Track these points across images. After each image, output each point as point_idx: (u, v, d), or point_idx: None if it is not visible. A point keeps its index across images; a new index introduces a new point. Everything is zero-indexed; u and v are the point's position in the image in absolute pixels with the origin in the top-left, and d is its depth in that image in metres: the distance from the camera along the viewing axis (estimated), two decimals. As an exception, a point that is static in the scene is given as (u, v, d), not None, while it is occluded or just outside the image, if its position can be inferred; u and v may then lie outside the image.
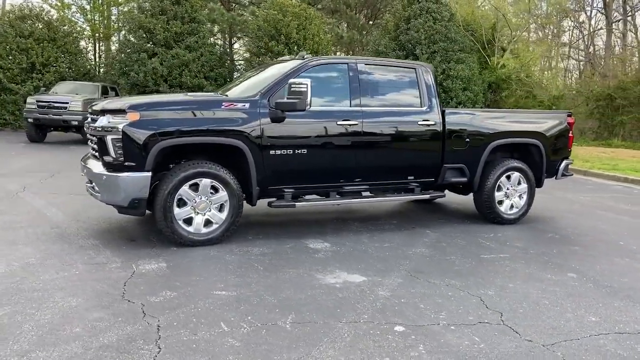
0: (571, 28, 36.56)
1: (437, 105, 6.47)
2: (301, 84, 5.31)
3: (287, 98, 5.36)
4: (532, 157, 7.16)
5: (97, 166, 5.26)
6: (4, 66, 20.54)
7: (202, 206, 5.31)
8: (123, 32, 23.93)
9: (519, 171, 6.97)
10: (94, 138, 5.38)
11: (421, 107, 6.41)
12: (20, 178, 9.19)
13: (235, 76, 21.70)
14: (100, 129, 5.16)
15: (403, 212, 7.67)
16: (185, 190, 5.22)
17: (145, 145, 4.99)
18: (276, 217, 6.88)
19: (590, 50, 34.68)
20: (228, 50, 27.26)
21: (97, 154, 5.38)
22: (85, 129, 6.00)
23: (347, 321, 3.67)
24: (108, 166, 5.13)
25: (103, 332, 3.35)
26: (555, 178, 7.45)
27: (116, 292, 4.07)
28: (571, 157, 7.70)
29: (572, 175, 8.11)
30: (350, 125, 5.88)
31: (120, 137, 4.98)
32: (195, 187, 5.28)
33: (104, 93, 18.34)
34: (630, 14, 33.39)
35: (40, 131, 16.45)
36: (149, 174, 5.05)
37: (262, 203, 5.96)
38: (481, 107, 19.49)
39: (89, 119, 5.87)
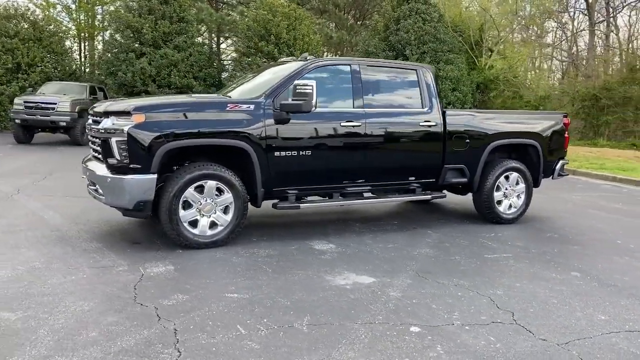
0: (554, 29, 36.99)
1: (437, 106, 6.52)
2: (306, 85, 5.32)
3: (293, 99, 5.36)
4: (529, 157, 7.25)
5: (100, 168, 5.21)
6: (-11, 66, 20.28)
7: (208, 208, 5.29)
8: (109, 31, 23.73)
9: (517, 171, 7.05)
10: (97, 140, 5.33)
11: (422, 108, 6.45)
12: (12, 180, 9.07)
13: (224, 76, 21.60)
14: (103, 131, 5.11)
15: (402, 212, 7.71)
16: (190, 192, 5.20)
17: (151, 147, 4.96)
18: (278, 219, 6.88)
19: (573, 51, 35.11)
20: (215, 50, 27.14)
21: (100, 156, 5.33)
22: (87, 130, 5.95)
23: (363, 322, 3.68)
24: (112, 168, 5.09)
25: (120, 337, 3.33)
26: (552, 178, 7.55)
27: (127, 295, 4.04)
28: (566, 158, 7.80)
29: (568, 175, 8.21)
30: (353, 126, 5.90)
31: (125, 139, 4.94)
32: (200, 189, 5.26)
33: (92, 93, 18.18)
34: (612, 15, 33.89)
35: (27, 132, 16.25)
36: (155, 176, 5.01)
37: (264, 204, 5.95)
38: (470, 108, 19.64)
39: (90, 121, 5.83)
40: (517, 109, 22.31)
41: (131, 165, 4.97)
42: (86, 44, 28.75)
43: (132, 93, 19.86)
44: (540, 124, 7.30)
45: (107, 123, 5.07)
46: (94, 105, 5.95)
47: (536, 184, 7.31)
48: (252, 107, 5.43)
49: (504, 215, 7.00)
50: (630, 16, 34.16)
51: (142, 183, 4.98)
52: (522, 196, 7.14)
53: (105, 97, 19.44)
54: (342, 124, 5.86)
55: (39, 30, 21.59)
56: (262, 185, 5.52)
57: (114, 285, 4.23)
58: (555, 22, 35.75)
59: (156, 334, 3.40)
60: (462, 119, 6.73)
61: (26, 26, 21.46)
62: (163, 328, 3.48)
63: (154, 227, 6.13)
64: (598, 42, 34.51)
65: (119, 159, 5.02)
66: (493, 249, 5.78)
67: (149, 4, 20.37)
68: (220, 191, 5.34)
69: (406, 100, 6.46)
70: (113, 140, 5.01)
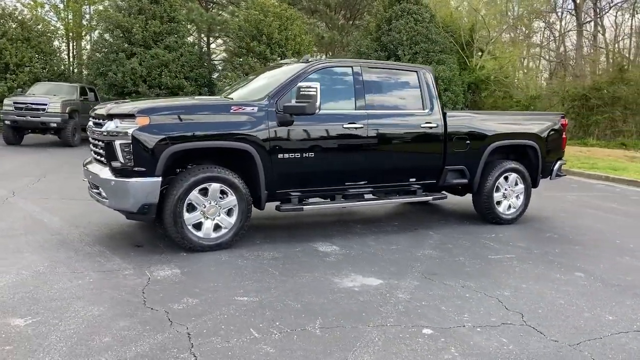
0: (542, 29, 37.27)
1: (438, 107, 6.54)
2: (310, 87, 5.31)
3: (296, 101, 5.35)
4: (527, 158, 7.30)
5: (104, 171, 5.16)
6: (-24, 67, 20.03)
7: (212, 211, 5.27)
8: (97, 31, 23.52)
9: (516, 172, 7.10)
10: (100, 143, 5.29)
11: (423, 109, 6.47)
12: (5, 182, 8.97)
13: (215, 76, 21.50)
14: (107, 134, 5.07)
15: (402, 213, 7.74)
16: (195, 195, 5.17)
17: (156, 150, 4.92)
18: (279, 221, 6.87)
19: (561, 51, 35.41)
20: (206, 50, 27.01)
21: (103, 159, 5.29)
22: (88, 132, 5.90)
23: (375, 325, 3.69)
24: (116, 171, 5.05)
25: (134, 342, 3.31)
26: (550, 178, 7.61)
27: (136, 299, 4.01)
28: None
29: (565, 175, 8.29)
30: (355, 128, 5.91)
31: (129, 142, 4.90)
32: (204, 192, 5.23)
33: (82, 94, 18.04)
34: (599, 15, 34.23)
35: (17, 133, 16.07)
36: (159, 179, 4.98)
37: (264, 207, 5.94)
38: (462, 108, 19.74)
39: (91, 123, 5.78)
40: (508, 108, 22.48)
41: (135, 168, 4.94)
42: (74, 44, 28.50)
43: (122, 94, 19.68)
44: (539, 124, 7.35)
45: (110, 126, 5.03)
46: (95, 107, 5.90)
47: (535, 184, 7.37)
48: (255, 109, 5.42)
49: (504, 215, 7.05)
50: (616, 16, 34.49)
51: (147, 186, 4.95)
52: (521, 197, 7.19)
53: (96, 98, 19.31)
54: (344, 125, 5.86)
55: (27, 30, 21.35)
56: (265, 188, 5.51)
57: (121, 290, 4.20)
58: (544, 22, 36.05)
59: (170, 338, 3.38)
60: (462, 121, 6.76)
61: (14, 26, 21.20)
62: (176, 332, 3.47)
63: (155, 230, 6.10)
64: (585, 42, 34.87)
65: (122, 161, 4.98)
66: (495, 249, 5.81)
67: (139, 4, 20.20)
68: (224, 194, 5.32)
69: (407, 102, 6.48)
70: (117, 143, 4.97)
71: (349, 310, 3.94)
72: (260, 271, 4.77)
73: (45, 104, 15.61)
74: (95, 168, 5.43)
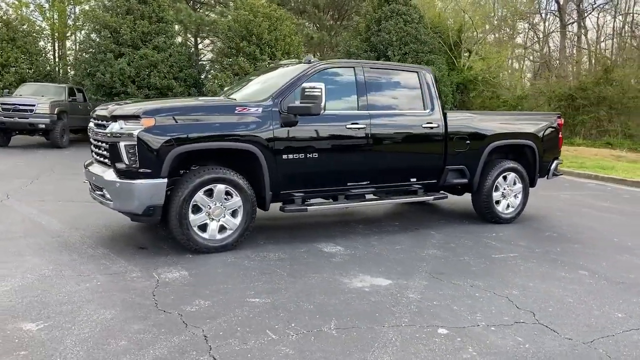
0: (526, 30, 37.63)
1: (439, 107, 6.58)
2: (315, 88, 5.30)
3: (301, 102, 5.35)
4: (525, 157, 7.37)
5: (108, 173, 5.11)
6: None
7: (217, 212, 5.24)
8: (84, 31, 23.24)
9: (515, 171, 7.16)
10: (103, 144, 5.23)
11: (424, 109, 6.51)
12: (-1, 185, 8.85)
13: (204, 77, 21.37)
14: (111, 135, 5.02)
15: (401, 213, 7.76)
16: (200, 196, 5.14)
17: (162, 151, 4.89)
18: (280, 221, 6.85)
19: (545, 51, 35.79)
20: (194, 50, 26.86)
21: (106, 160, 5.24)
22: (89, 133, 5.84)
23: (390, 325, 3.70)
24: (120, 173, 5.00)
25: (151, 345, 3.28)
26: (547, 178, 7.69)
27: (147, 302, 3.98)
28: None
29: (562, 174, 8.37)
30: (358, 128, 5.92)
31: (135, 143, 4.85)
32: (209, 193, 5.20)
33: (71, 95, 17.85)
34: (583, 17, 34.66)
35: (4, 135, 15.89)
36: (165, 180, 4.95)
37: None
38: (451, 108, 19.85)
39: (92, 125, 5.73)
40: (495, 108, 22.66)
41: (141, 170, 4.89)
42: (60, 44, 28.16)
43: (110, 94, 19.47)
44: (536, 124, 7.42)
45: (115, 127, 4.97)
46: (96, 108, 5.85)
47: (532, 183, 7.44)
48: (260, 110, 5.40)
49: (503, 215, 7.10)
50: (598, 18, 34.98)
51: (152, 188, 4.91)
52: (519, 196, 7.25)
53: (85, 99, 19.13)
54: (347, 125, 5.87)
55: (12, 30, 21.08)
56: (270, 189, 5.49)
57: (131, 292, 4.16)
58: (528, 23, 36.39)
59: (187, 341, 3.35)
60: (462, 121, 6.81)
61: (-1, 26, 20.95)
62: (192, 335, 3.44)
63: (157, 231, 6.06)
64: (567, 43, 35.30)
65: (127, 163, 4.93)
66: (498, 248, 5.86)
67: (127, 4, 20.01)
68: (229, 195, 5.30)
69: (408, 102, 6.51)
70: (122, 145, 4.92)
71: (362, 311, 3.94)
72: (268, 272, 4.76)
73: (34, 105, 15.43)
74: (98, 169, 5.37)
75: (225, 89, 7.53)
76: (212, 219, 5.25)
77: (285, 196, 5.75)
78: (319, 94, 5.29)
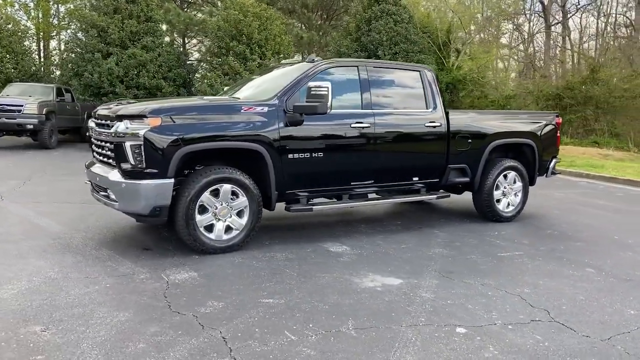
0: (511, 30, 37.96)
1: (441, 106, 6.59)
2: (321, 87, 5.27)
3: (307, 101, 5.31)
4: (525, 156, 7.41)
5: (113, 173, 5.03)
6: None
7: (224, 212, 5.19)
8: (70, 30, 22.96)
9: (515, 170, 7.19)
10: (108, 144, 5.16)
11: (427, 108, 6.51)
12: (-8, 186, 8.70)
13: (194, 77, 21.20)
14: (116, 135, 4.94)
15: (401, 212, 7.76)
16: (206, 196, 5.08)
17: (169, 151, 4.82)
18: (282, 221, 6.80)
19: (530, 51, 36.14)
20: (183, 50, 26.65)
21: (110, 160, 5.16)
22: (90, 133, 5.75)
23: (407, 325, 3.68)
24: (126, 173, 4.92)
25: (170, 347, 3.22)
26: (546, 176, 7.74)
27: (160, 304, 3.92)
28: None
29: (560, 173, 8.43)
30: (363, 127, 5.90)
31: (141, 143, 4.78)
32: (215, 193, 5.15)
33: (59, 95, 17.60)
34: (567, 17, 35.06)
35: (-9, 136, 15.62)
36: (172, 180, 4.89)
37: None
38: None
39: (93, 125, 5.65)
40: (484, 108, 22.80)
41: (147, 170, 4.82)
42: (44, 43, 27.78)
43: (98, 94, 19.25)
44: (535, 123, 7.47)
45: (120, 127, 4.89)
46: (97, 108, 5.76)
47: (532, 182, 7.48)
48: (265, 109, 5.35)
49: (503, 213, 7.13)
50: (581, 18, 35.45)
51: (160, 188, 4.84)
52: (519, 194, 7.29)
53: (73, 99, 18.88)
54: (352, 125, 5.85)
55: (-3, 30, 20.79)
56: (276, 188, 5.45)
57: (142, 294, 4.10)
58: (513, 24, 36.70)
59: (205, 342, 3.30)
60: (464, 120, 6.83)
61: (-16, 25, 20.63)
62: (210, 336, 3.39)
63: (159, 232, 6.00)
64: (551, 43, 35.69)
65: (133, 163, 4.86)
66: (503, 247, 5.87)
67: (115, 3, 19.78)
68: (235, 195, 5.25)
69: (411, 101, 6.50)
70: (127, 145, 4.84)
71: (377, 311, 3.92)
72: (278, 273, 4.72)
73: (22, 106, 15.18)
74: (102, 170, 5.29)
75: (225, 88, 7.46)
76: (219, 219, 5.20)
77: (290, 196, 5.71)
78: (326, 93, 5.26)
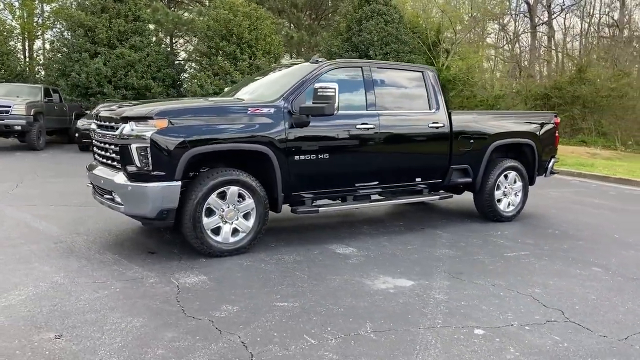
0: (497, 31, 38.25)
1: (443, 107, 6.59)
2: (328, 88, 5.23)
3: (314, 102, 5.27)
4: (524, 156, 7.44)
5: (118, 176, 4.95)
6: None
7: (231, 215, 5.14)
8: (55, 30, 22.68)
9: (515, 170, 7.22)
10: (112, 147, 5.08)
11: (430, 109, 6.51)
12: (-16, 189, 8.54)
13: (183, 77, 21.06)
14: (121, 137, 4.86)
15: (402, 213, 7.75)
16: (213, 199, 5.03)
17: (176, 153, 4.76)
18: (285, 223, 6.75)
19: (515, 51, 36.45)
20: (168, 49, 26.45)
21: (115, 163, 5.08)
22: (92, 135, 5.67)
23: (425, 327, 3.66)
24: (132, 176, 4.85)
25: (191, 352, 3.17)
26: (545, 176, 7.79)
27: (174, 309, 3.86)
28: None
29: (558, 173, 8.49)
30: (367, 128, 5.88)
31: (147, 145, 4.71)
32: (222, 196, 5.09)
33: (47, 95, 17.36)
34: (552, 18, 35.44)
35: (-22, 137, 15.35)
36: (179, 183, 4.82)
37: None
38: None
39: (95, 127, 5.56)
40: (474, 107, 22.95)
41: (154, 173, 4.75)
42: (31, 43, 27.42)
43: (86, 95, 19.07)
44: (535, 123, 7.51)
45: (126, 129, 4.81)
46: (99, 110, 5.67)
47: (531, 182, 7.52)
48: (272, 110, 5.31)
49: (504, 213, 7.16)
50: (565, 18, 35.83)
51: (167, 191, 4.78)
52: (520, 194, 7.33)
53: (61, 100, 18.65)
54: (357, 125, 5.83)
55: (-18, 30, 20.46)
56: (282, 190, 5.41)
57: (154, 299, 4.04)
58: (499, 24, 36.97)
59: (226, 348, 3.26)
60: (466, 120, 6.84)
61: (-32, 25, 20.29)
62: (230, 341, 3.35)
63: (162, 235, 5.93)
64: (536, 43, 36.02)
65: (139, 165, 4.79)
66: (508, 247, 5.89)
67: (102, 2, 19.60)
68: (241, 197, 5.20)
69: (414, 102, 6.50)
70: (133, 147, 4.77)
71: (393, 313, 3.90)
72: (289, 275, 4.68)
73: (9, 106, 14.94)
74: (106, 172, 5.21)
75: (226, 89, 7.39)
76: (226, 222, 5.14)
77: (296, 197, 5.67)
78: (333, 94, 5.23)
